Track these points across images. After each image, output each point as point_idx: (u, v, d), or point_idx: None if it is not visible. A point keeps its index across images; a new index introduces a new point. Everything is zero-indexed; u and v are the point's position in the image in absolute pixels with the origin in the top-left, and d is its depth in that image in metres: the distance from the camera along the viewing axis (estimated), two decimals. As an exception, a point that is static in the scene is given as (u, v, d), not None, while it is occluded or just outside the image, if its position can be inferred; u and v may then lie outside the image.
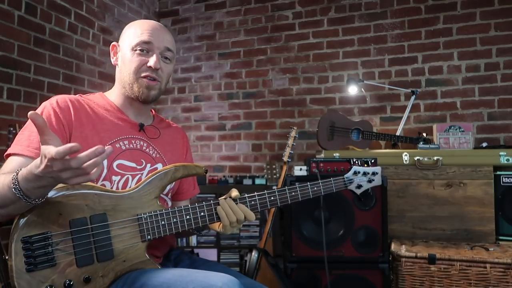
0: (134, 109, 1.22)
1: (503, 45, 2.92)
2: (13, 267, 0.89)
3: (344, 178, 1.31)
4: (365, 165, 1.38)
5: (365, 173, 1.34)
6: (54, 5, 2.69)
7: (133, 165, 1.15)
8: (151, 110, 1.34)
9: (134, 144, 1.18)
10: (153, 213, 1.04)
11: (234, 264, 3.10)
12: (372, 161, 1.41)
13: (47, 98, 1.14)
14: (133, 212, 1.02)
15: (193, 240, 3.19)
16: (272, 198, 1.15)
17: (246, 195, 1.13)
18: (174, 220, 1.06)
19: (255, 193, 1.14)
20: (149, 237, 1.03)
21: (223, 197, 1.12)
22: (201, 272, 0.96)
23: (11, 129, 2.17)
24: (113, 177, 1.11)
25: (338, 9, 3.34)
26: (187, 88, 3.75)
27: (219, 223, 1.11)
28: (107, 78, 3.20)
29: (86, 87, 2.96)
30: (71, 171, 0.81)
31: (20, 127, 2.20)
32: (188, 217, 1.07)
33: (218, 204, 1.09)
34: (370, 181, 1.35)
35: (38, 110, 1.08)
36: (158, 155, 1.23)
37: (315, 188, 1.23)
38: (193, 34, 3.75)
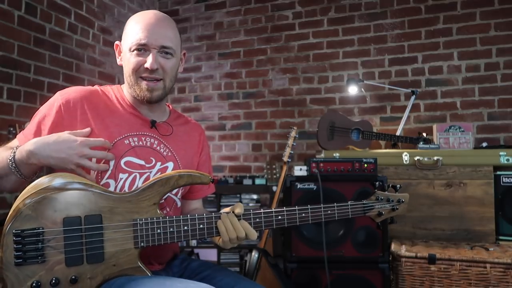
0: (145, 106, 1.19)
1: (503, 45, 2.93)
2: (3, 259, 0.89)
3: (363, 204, 1.22)
4: (394, 191, 1.25)
5: (388, 200, 1.24)
6: (54, 5, 2.69)
7: (142, 162, 1.13)
8: (167, 105, 1.30)
9: (144, 142, 1.16)
10: (149, 220, 1.01)
11: (234, 264, 3.10)
12: (400, 186, 1.26)
13: (47, 98, 1.15)
14: (130, 217, 1.00)
15: (193, 240, 3.18)
16: (279, 217, 1.10)
17: (251, 212, 1.09)
18: (171, 229, 1.02)
19: (261, 211, 1.09)
20: (142, 244, 1.00)
21: (226, 209, 1.09)
22: (183, 281, 0.96)
23: (11, 129, 2.17)
24: (120, 175, 1.09)
25: (338, 9, 3.34)
26: (187, 88, 3.75)
27: (219, 237, 1.08)
28: (107, 78, 3.20)
29: (86, 87, 2.96)
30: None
31: (20, 127, 2.23)
32: (186, 228, 1.03)
33: (219, 218, 1.06)
34: (393, 209, 1.25)
35: (49, 101, 1.13)
36: (169, 153, 1.20)
37: (329, 212, 1.16)
38: (193, 34, 3.75)
